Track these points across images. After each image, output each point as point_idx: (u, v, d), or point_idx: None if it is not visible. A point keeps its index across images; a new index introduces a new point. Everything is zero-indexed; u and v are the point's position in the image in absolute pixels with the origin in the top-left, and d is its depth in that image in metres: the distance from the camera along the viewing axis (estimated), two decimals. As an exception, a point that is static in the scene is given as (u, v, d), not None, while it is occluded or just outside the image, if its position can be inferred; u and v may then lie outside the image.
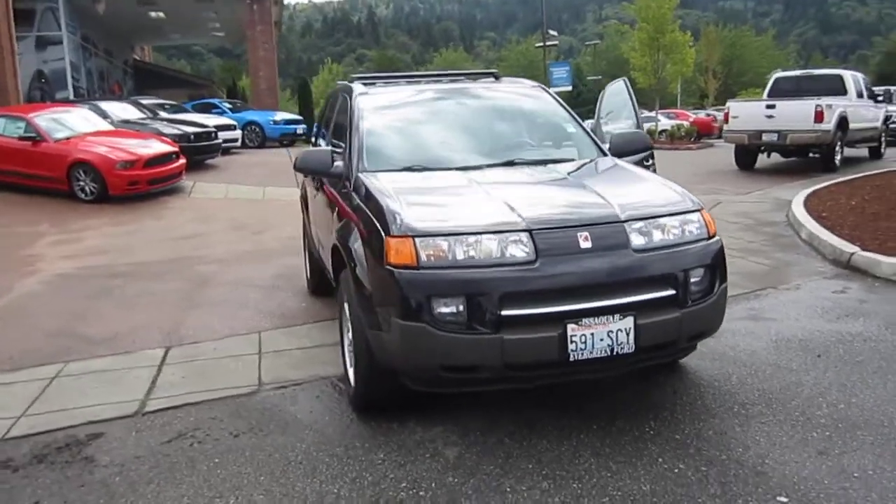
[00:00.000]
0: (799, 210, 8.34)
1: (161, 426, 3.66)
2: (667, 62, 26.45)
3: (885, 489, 2.70)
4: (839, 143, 13.75)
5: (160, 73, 36.25)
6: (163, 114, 16.36)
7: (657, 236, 3.25)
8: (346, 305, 3.78)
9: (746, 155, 14.53)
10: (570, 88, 37.22)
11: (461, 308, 2.99)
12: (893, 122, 17.53)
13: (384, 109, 4.47)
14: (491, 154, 4.24)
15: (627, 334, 3.06)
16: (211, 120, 16.60)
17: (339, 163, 4.19)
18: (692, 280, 3.24)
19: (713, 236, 3.41)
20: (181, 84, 34.22)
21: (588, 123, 5.02)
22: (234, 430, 3.53)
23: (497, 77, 5.33)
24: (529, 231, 3.09)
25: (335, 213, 4.11)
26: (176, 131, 13.79)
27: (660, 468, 2.93)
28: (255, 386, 4.14)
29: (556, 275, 3.03)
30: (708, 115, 33.36)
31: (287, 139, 19.93)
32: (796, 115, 13.26)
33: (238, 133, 17.68)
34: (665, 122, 28.16)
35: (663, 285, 3.17)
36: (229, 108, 20.70)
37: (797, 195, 9.46)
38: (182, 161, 12.26)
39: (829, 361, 3.99)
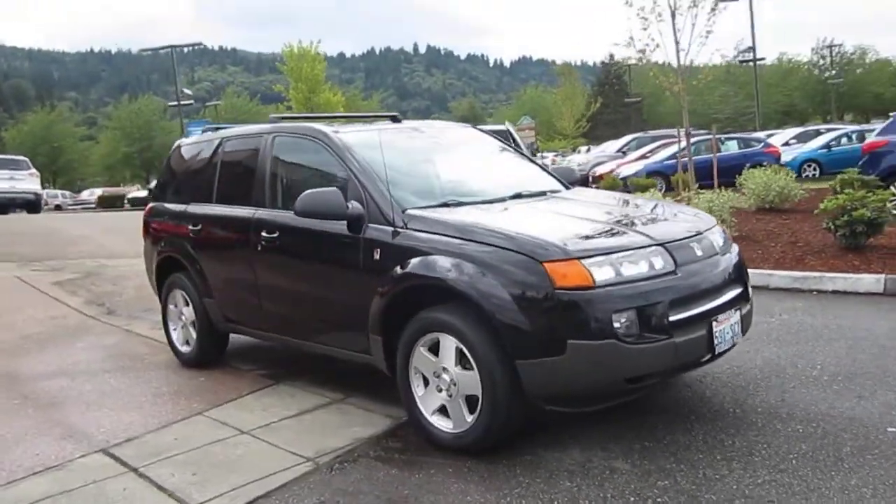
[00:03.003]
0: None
1: (267, 526, 2.99)
2: (321, 121, 27.74)
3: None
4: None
5: None
6: None
7: (718, 243, 3.82)
8: (420, 349, 3.56)
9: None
10: (211, 148, 36.44)
11: (633, 320, 3.15)
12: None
13: (374, 150, 4.24)
14: (493, 189, 4.36)
15: (738, 325, 3.56)
16: None
17: (354, 204, 3.91)
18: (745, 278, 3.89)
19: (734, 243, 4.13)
20: None
21: None
22: (377, 501, 3.07)
23: (397, 119, 5.38)
24: (663, 245, 3.40)
25: (370, 256, 3.78)
26: None
27: (796, 430, 3.46)
28: (305, 461, 3.57)
29: (695, 281, 3.39)
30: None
31: None
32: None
33: None
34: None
35: (738, 283, 3.75)
36: None
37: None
38: None
39: (767, 341, 4.93)
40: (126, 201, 34.02)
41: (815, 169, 19.31)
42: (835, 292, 6.18)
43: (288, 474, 3.45)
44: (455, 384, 3.45)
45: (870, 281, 6.07)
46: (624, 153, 21.84)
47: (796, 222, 9.15)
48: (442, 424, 3.55)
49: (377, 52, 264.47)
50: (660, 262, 3.33)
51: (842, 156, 18.81)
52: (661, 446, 3.41)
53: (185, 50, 41.45)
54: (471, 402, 3.41)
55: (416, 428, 3.68)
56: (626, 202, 4.43)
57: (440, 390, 3.53)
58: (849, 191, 6.90)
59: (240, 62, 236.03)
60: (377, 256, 3.77)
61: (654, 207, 4.19)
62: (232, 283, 4.91)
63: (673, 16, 12.01)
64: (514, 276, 3.23)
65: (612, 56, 56.99)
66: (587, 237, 3.41)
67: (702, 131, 25.02)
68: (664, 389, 4.13)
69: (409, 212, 3.77)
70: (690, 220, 3.90)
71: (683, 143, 17.12)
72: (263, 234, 4.47)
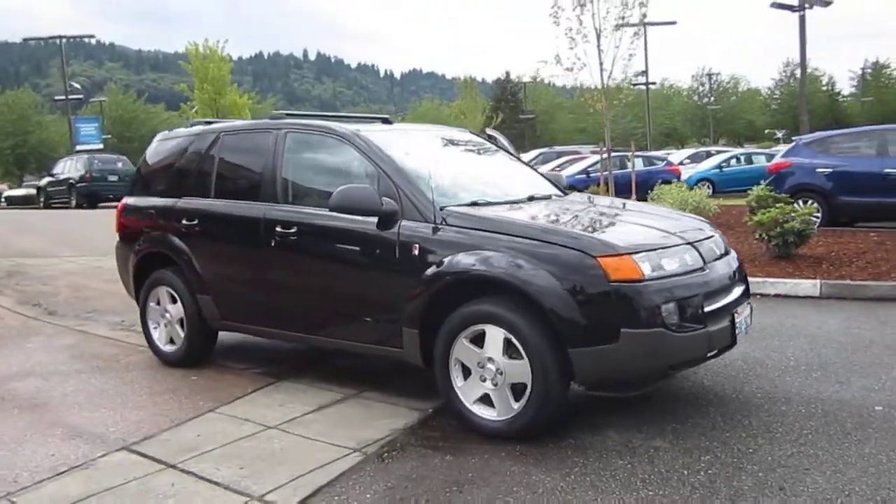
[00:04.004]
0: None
1: (344, 510, 3.05)
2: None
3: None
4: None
5: None
6: None
7: (721, 244, 4.20)
8: (463, 341, 3.71)
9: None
10: (101, 146, 34.48)
11: (676, 311, 3.45)
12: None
13: (403, 149, 4.35)
14: (509, 191, 4.56)
15: (748, 317, 3.95)
16: None
17: (387, 200, 4.01)
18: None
19: (724, 245, 4.54)
20: None
21: None
22: (445, 485, 3.19)
23: (388, 121, 5.52)
24: (692, 244, 3.73)
25: (408, 252, 3.88)
26: None
27: (799, 411, 3.87)
28: (352, 452, 3.62)
29: (718, 276, 3.74)
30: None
31: None
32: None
33: None
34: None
35: (742, 281, 4.14)
36: None
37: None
38: None
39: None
40: (3, 199, 31.65)
41: (708, 187, 20.75)
42: (776, 296, 6.81)
43: (342, 464, 3.49)
44: (502, 373, 3.62)
45: (807, 286, 6.73)
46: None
47: (718, 233, 9.89)
48: (485, 413, 3.70)
49: (266, 56, 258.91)
50: (690, 259, 3.66)
51: (732, 176, 20.44)
52: (689, 427, 3.73)
53: (61, 41, 38.98)
54: (515, 390, 3.60)
55: (458, 417, 3.81)
56: (632, 206, 4.76)
57: (484, 380, 3.68)
58: (780, 205, 7.60)
59: (118, 58, 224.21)
60: (416, 252, 3.88)
61: (661, 210, 4.55)
62: (234, 279, 4.84)
63: (598, 37, 12.78)
64: (569, 270, 3.44)
65: (507, 73, 58.88)
66: (627, 235, 3.69)
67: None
68: (668, 380, 4.47)
69: (449, 209, 3.91)
70: (698, 223, 4.27)
71: (596, 159, 18.10)
72: (278, 229, 4.47)
